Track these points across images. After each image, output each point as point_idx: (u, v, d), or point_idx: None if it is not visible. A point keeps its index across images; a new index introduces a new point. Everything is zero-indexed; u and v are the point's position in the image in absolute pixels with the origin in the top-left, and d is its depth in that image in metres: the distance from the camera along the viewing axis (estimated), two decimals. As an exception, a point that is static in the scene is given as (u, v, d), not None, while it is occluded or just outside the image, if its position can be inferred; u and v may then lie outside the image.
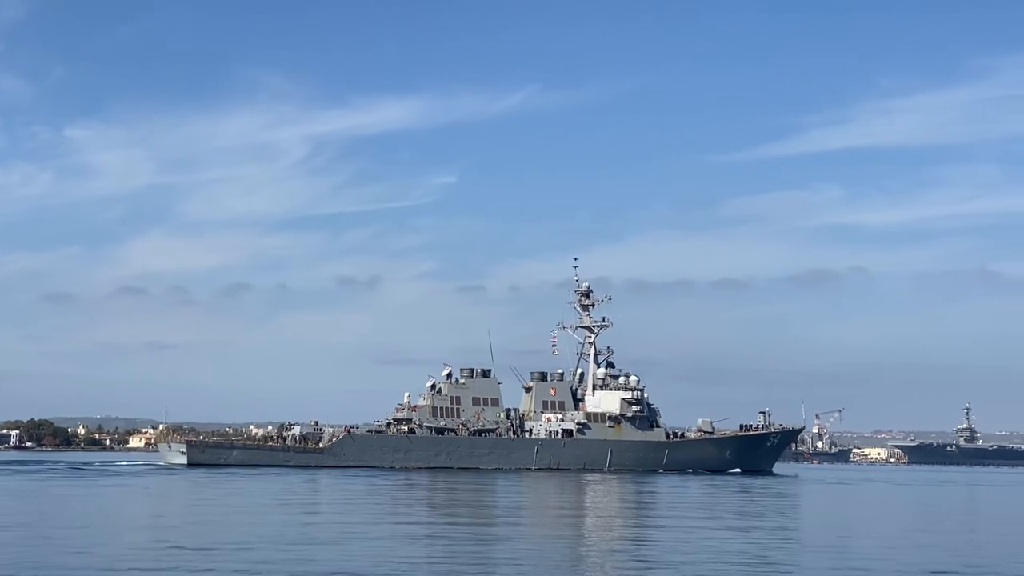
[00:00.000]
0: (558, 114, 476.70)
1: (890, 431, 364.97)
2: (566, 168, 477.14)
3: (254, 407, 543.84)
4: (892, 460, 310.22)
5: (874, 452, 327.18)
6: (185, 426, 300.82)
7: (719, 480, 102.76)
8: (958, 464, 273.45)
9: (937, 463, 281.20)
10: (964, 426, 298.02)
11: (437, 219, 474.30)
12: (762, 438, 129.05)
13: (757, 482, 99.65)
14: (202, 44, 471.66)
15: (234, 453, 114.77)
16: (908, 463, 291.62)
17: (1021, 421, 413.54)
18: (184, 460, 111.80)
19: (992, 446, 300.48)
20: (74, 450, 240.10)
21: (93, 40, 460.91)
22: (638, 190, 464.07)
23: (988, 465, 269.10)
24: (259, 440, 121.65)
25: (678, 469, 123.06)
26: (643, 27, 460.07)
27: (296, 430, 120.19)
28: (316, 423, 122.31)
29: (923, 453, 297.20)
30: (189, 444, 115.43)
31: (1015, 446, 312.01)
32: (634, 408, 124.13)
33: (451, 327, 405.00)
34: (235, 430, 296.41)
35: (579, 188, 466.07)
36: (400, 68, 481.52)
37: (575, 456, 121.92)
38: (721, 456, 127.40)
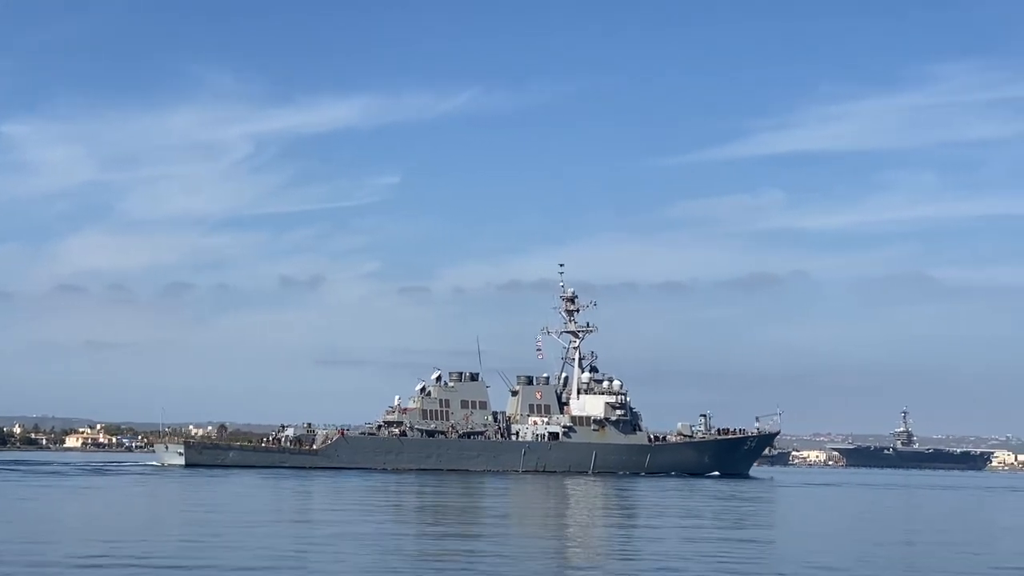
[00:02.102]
0: (502, 115, 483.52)
1: (828, 434, 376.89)
2: (510, 170, 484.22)
3: (195, 407, 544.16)
4: (830, 463, 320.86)
5: (812, 455, 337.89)
6: (123, 426, 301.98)
7: (700, 483, 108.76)
8: (895, 467, 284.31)
9: (874, 466, 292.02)
10: (901, 429, 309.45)
11: (380, 219, 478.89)
12: (739, 442, 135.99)
13: (736, 486, 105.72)
14: (145, 40, 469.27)
15: (230, 454, 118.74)
16: (846, 466, 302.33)
17: (957, 425, 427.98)
18: (182, 461, 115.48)
19: (928, 449, 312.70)
20: (10, 449, 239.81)
21: (32, 34, 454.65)
22: (582, 192, 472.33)
23: (924, 468, 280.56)
24: (255, 442, 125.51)
25: (659, 472, 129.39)
26: (588, 30, 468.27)
27: (289, 432, 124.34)
28: (309, 425, 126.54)
29: (861, 456, 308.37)
30: (187, 445, 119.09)
31: (951, 449, 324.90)
32: (618, 412, 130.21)
33: (394, 328, 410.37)
34: (174, 430, 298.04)
35: (523, 190, 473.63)
36: (344, 67, 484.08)
37: (561, 459, 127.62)
38: (700, 460, 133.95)
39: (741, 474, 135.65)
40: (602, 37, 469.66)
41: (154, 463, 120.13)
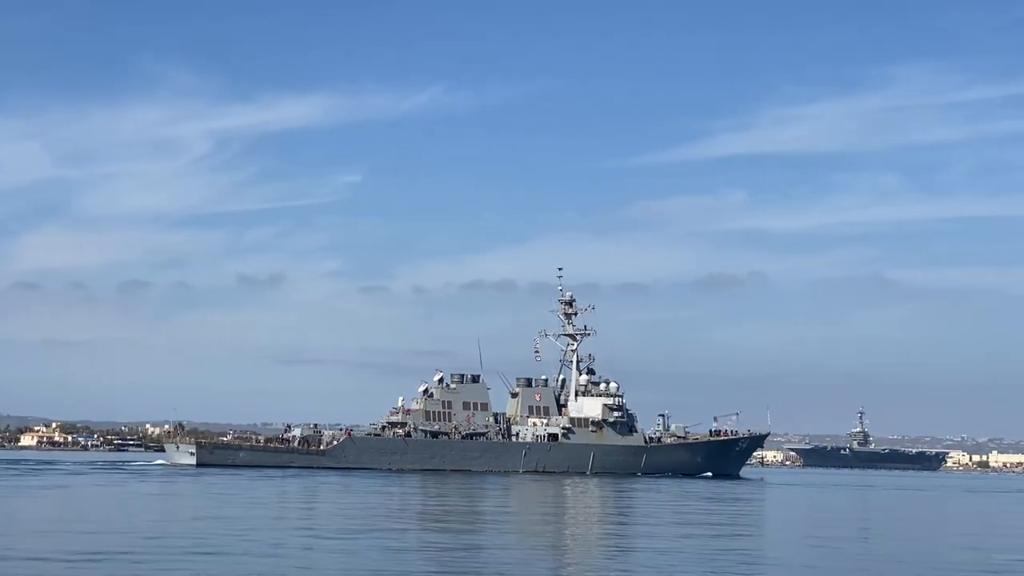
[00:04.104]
0: (464, 115, 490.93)
1: (785, 434, 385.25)
2: (471, 169, 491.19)
3: (153, 405, 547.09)
4: (787, 463, 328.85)
5: (770, 455, 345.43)
6: (79, 424, 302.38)
7: (704, 484, 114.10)
8: (851, 467, 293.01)
9: (831, 466, 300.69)
10: (858, 430, 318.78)
11: (341, 218, 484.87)
12: (731, 443, 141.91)
13: (733, 487, 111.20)
14: (103, 36, 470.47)
15: (240, 454, 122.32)
16: (803, 466, 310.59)
17: (912, 425, 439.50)
18: (193, 461, 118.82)
19: (884, 449, 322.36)
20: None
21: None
22: (543, 192, 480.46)
23: (880, 468, 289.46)
24: (264, 442, 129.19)
25: (654, 472, 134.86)
26: (550, 32, 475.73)
27: (296, 432, 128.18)
28: (315, 426, 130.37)
29: (818, 456, 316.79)
30: (199, 445, 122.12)
31: (906, 449, 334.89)
32: (615, 414, 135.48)
33: (356, 327, 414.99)
34: (131, 428, 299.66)
35: (484, 189, 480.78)
36: (305, 65, 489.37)
37: (560, 460, 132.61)
38: (693, 460, 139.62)
39: (732, 475, 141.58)
40: (564, 39, 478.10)
41: (164, 462, 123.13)
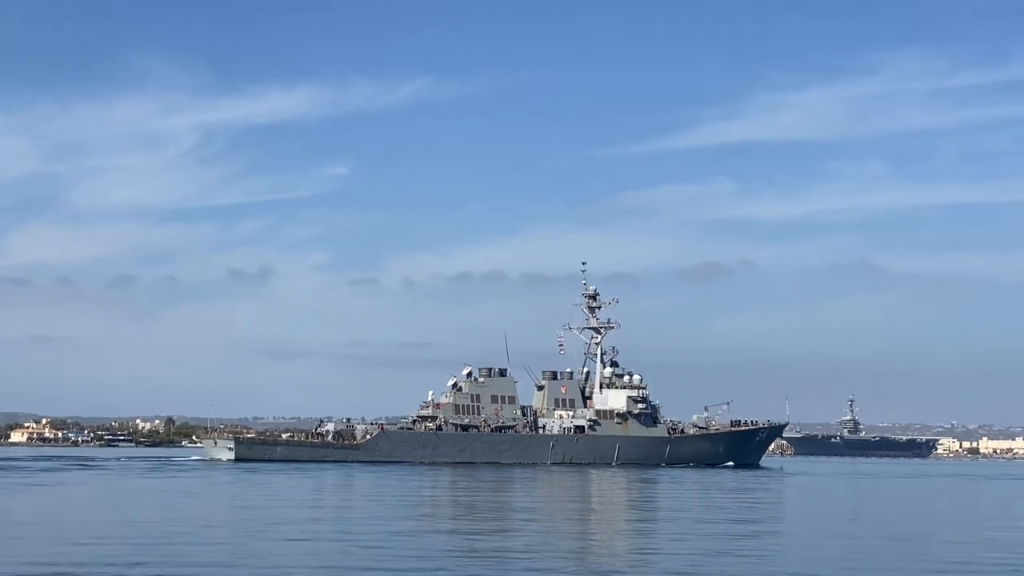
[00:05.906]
0: (450, 106, 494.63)
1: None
2: (459, 160, 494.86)
3: (142, 400, 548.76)
4: (778, 452, 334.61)
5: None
6: (69, 420, 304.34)
7: (733, 474, 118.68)
8: (842, 455, 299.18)
9: (822, 454, 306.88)
10: (848, 418, 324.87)
11: (329, 210, 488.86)
12: (751, 434, 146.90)
13: (756, 476, 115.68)
14: (89, 30, 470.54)
15: (278, 449, 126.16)
16: (794, 454, 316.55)
17: (902, 413, 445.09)
18: (232, 456, 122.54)
19: (875, 437, 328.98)
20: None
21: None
22: (531, 183, 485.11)
23: (871, 456, 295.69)
24: (300, 437, 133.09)
25: (678, 463, 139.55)
26: (539, 22, 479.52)
27: (330, 427, 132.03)
28: (348, 420, 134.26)
29: (809, 444, 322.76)
30: (237, 441, 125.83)
31: (896, 437, 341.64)
32: (639, 406, 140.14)
33: (345, 320, 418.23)
34: (121, 424, 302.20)
35: (472, 181, 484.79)
36: (291, 58, 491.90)
37: (586, 451, 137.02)
38: (715, 451, 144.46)
39: (753, 464, 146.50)
40: (550, 29, 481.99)
41: (203, 457, 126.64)
